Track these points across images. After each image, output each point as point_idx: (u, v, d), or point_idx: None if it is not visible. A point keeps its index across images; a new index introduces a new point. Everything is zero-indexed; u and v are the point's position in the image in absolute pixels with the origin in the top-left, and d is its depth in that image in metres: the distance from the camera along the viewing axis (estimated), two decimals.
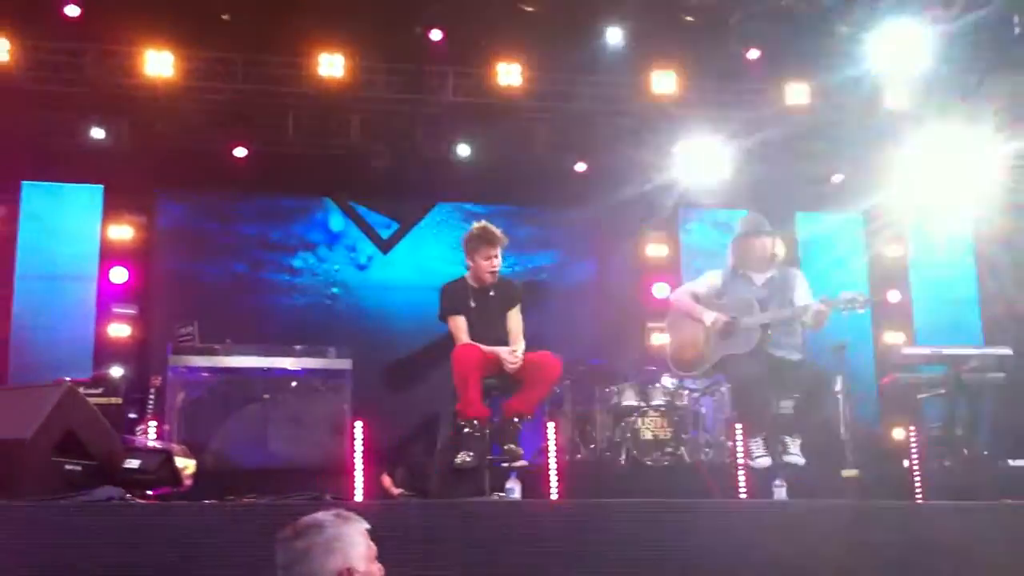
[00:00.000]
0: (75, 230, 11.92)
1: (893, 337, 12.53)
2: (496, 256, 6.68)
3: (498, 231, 6.75)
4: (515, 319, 6.73)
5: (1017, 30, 11.16)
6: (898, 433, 9.43)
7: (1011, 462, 8.57)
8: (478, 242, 6.69)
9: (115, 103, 11.14)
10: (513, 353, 6.52)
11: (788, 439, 7.05)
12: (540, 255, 13.02)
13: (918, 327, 12.88)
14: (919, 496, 6.81)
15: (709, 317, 7.07)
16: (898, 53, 11.42)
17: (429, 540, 4.84)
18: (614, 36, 11.47)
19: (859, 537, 5.36)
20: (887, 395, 10.05)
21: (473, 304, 6.66)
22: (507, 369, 6.51)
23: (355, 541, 3.15)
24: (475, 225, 6.82)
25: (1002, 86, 11.72)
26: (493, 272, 6.69)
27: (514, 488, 6.22)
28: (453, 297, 6.69)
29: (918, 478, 6.94)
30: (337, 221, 12.85)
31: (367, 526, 3.24)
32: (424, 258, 12.53)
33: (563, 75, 11.79)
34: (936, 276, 13.39)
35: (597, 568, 4.99)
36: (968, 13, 10.83)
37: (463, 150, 11.97)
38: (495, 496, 6.18)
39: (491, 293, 6.73)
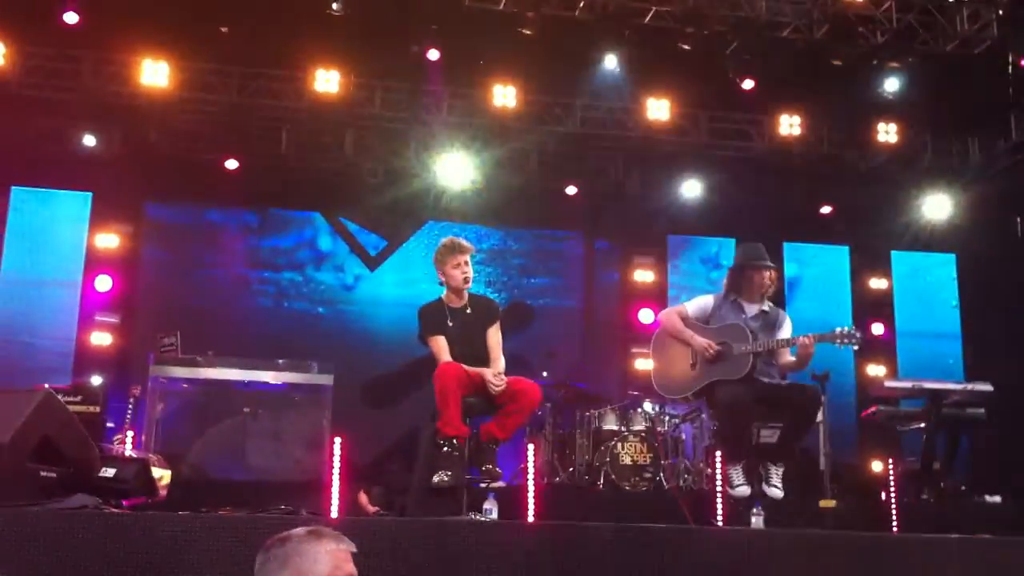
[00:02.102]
0: (62, 236, 11.94)
1: (875, 369, 12.58)
2: (466, 263, 6.65)
3: (464, 240, 6.76)
4: (495, 337, 6.70)
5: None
6: (877, 465, 9.45)
7: (987, 498, 8.60)
8: (446, 252, 6.69)
9: (109, 111, 11.20)
10: (498, 375, 6.49)
11: (772, 467, 7.00)
12: (528, 277, 13.05)
13: (901, 361, 12.95)
14: (895, 528, 6.82)
15: (700, 342, 7.02)
16: (891, 88, 11.56)
17: (404, 559, 4.82)
18: (610, 62, 11.54)
19: (835, 567, 5.36)
20: (867, 427, 10.07)
21: (451, 323, 6.63)
22: (491, 391, 6.50)
23: (316, 559, 3.07)
24: (441, 240, 6.84)
25: None
26: (466, 279, 6.66)
27: (491, 509, 6.21)
28: (431, 317, 6.67)
29: (895, 510, 6.95)
30: (326, 240, 12.87)
31: (349, 548, 3.17)
32: (411, 277, 12.55)
33: (558, 99, 11.86)
34: (921, 311, 13.48)
35: None
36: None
37: (456, 170, 12.00)
38: (472, 516, 6.16)
39: (468, 311, 6.71)
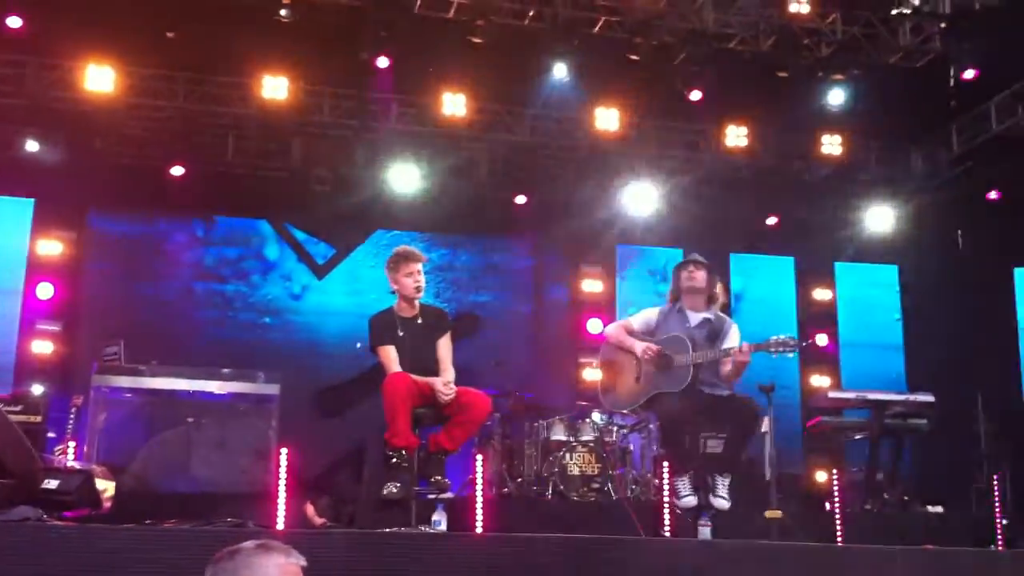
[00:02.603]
0: (3, 243, 11.73)
1: (820, 380, 12.73)
2: (418, 272, 6.65)
3: (417, 250, 6.77)
4: (445, 347, 6.70)
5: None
6: (822, 475, 9.56)
7: (930, 508, 8.73)
8: (398, 260, 6.69)
9: (52, 117, 11.01)
10: (447, 385, 6.48)
11: (719, 478, 7.04)
12: (476, 286, 13.04)
13: (844, 372, 13.11)
14: (840, 538, 6.89)
15: (640, 346, 7.06)
16: (836, 101, 11.71)
17: (353, 571, 4.79)
18: (560, 71, 11.56)
19: None
20: (812, 437, 10.18)
21: (402, 333, 6.61)
22: (440, 401, 6.49)
23: (266, 573, 3.05)
24: (394, 249, 6.84)
25: None
26: (418, 288, 6.65)
27: (440, 520, 6.20)
28: (381, 327, 6.65)
29: (839, 520, 7.03)
30: (272, 249, 12.76)
31: (298, 561, 3.15)
32: (359, 285, 12.48)
33: (507, 107, 11.89)
34: (864, 322, 13.67)
35: None
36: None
37: (404, 178, 11.98)
38: (421, 528, 6.14)
39: (419, 321, 6.69)
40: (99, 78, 10.65)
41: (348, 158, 11.97)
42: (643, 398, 7.09)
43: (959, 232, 12.94)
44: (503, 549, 5.21)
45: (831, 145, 12.28)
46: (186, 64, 11.05)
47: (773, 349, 6.78)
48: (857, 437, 9.12)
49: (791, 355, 6.97)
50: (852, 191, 12.88)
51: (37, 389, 10.15)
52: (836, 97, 11.80)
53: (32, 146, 11.11)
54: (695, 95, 11.75)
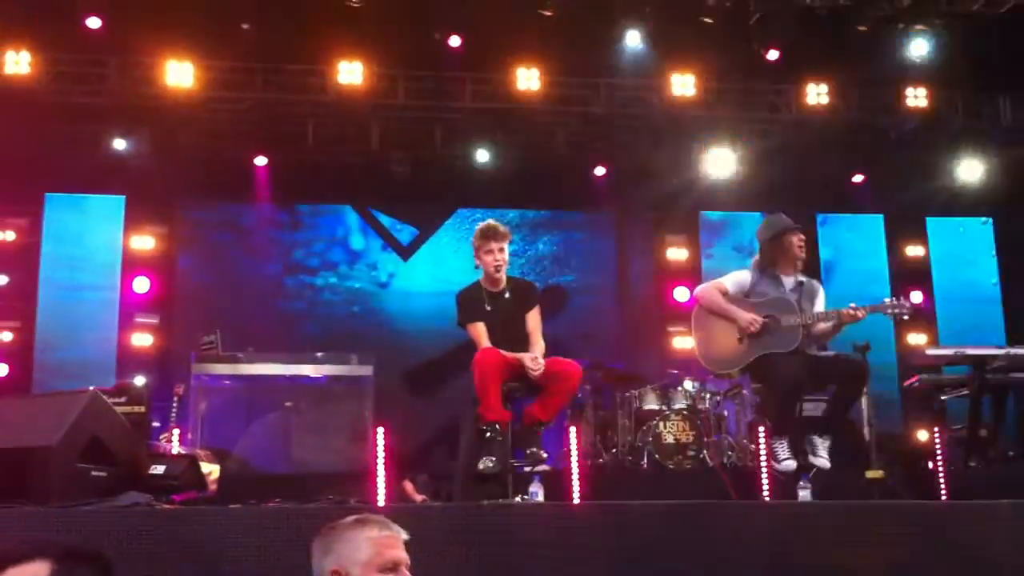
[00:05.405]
0: (98, 241, 12.04)
1: (916, 338, 12.46)
2: (500, 250, 6.60)
3: (501, 226, 6.68)
4: (533, 320, 6.69)
5: None
6: (922, 434, 9.37)
7: None
8: (479, 237, 6.66)
9: (136, 114, 11.24)
10: (535, 360, 6.47)
11: (818, 440, 6.95)
12: (560, 260, 13.00)
13: (941, 328, 12.82)
14: (944, 496, 6.76)
15: (745, 318, 6.96)
16: (919, 52, 11.41)
17: (452, 544, 4.83)
18: (633, 39, 11.47)
19: (886, 536, 5.32)
20: (910, 396, 9.98)
21: (489, 308, 6.61)
22: (530, 376, 6.49)
23: (358, 546, 3.10)
24: (479, 224, 6.81)
25: None
26: (498, 267, 6.62)
27: (537, 491, 6.22)
28: (469, 303, 6.65)
29: (943, 479, 6.89)
30: (358, 240, 12.86)
31: (396, 534, 3.19)
32: (444, 264, 12.54)
33: (582, 79, 11.80)
34: (959, 276, 13.33)
35: (619, 571, 4.97)
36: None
37: (482, 155, 12.00)
38: (518, 499, 6.17)
39: (507, 295, 6.69)
40: (179, 73, 10.84)
41: (426, 139, 12.02)
42: (749, 359, 6.98)
43: None
44: (601, 517, 5.21)
45: (916, 98, 11.95)
46: (262, 55, 11.18)
47: (889, 311, 6.76)
48: (957, 394, 8.92)
49: (906, 317, 6.93)
50: (940, 144, 12.54)
51: (139, 380, 10.41)
52: (919, 48, 11.51)
53: (119, 144, 11.37)
54: (772, 55, 11.56)
